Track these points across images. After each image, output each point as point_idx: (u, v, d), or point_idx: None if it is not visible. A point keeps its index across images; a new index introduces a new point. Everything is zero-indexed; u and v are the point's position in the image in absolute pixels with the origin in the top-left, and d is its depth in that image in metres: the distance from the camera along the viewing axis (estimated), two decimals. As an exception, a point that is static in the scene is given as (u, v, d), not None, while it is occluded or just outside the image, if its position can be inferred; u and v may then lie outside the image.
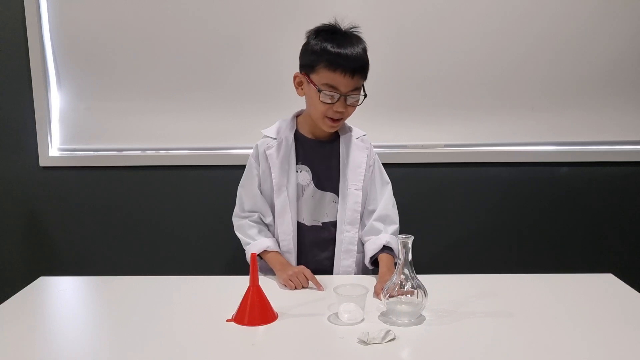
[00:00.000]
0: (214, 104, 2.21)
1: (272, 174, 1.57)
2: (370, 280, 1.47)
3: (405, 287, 1.22)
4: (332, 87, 1.45)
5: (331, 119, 1.50)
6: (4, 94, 2.21)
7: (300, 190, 1.59)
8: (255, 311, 1.23)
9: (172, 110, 2.21)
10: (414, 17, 2.13)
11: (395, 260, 1.53)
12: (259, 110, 2.18)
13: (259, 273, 1.27)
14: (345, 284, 1.29)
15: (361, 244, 1.62)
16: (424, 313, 1.24)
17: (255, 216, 1.62)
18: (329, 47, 1.44)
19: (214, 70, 2.18)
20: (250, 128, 2.09)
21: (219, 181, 2.25)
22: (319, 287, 1.42)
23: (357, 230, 1.60)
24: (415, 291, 1.22)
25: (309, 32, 1.52)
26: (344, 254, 1.59)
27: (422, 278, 1.25)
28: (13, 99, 2.21)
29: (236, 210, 1.66)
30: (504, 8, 2.12)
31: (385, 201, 1.61)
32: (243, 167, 1.68)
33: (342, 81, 1.44)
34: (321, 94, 1.46)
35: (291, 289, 1.43)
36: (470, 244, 2.32)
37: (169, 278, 1.53)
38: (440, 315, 1.25)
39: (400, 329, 1.18)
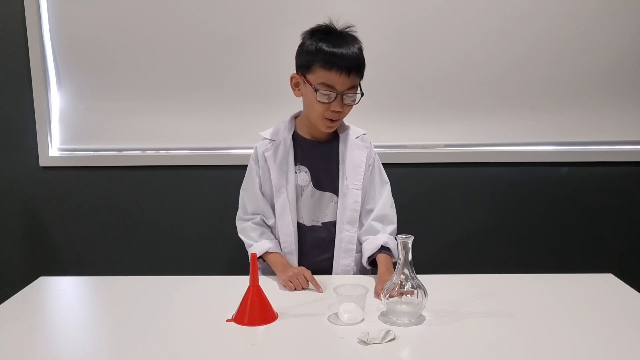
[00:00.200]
0: (214, 104, 2.21)
1: (271, 176, 1.58)
2: (370, 281, 1.47)
3: (405, 287, 1.22)
4: (329, 87, 1.46)
5: (329, 119, 1.50)
6: (4, 94, 2.21)
7: (299, 191, 1.60)
8: (255, 311, 1.23)
9: (172, 110, 2.21)
10: (414, 17, 2.13)
11: (393, 260, 1.53)
12: (259, 110, 2.19)
13: (260, 274, 1.27)
14: (345, 284, 1.29)
15: (359, 243, 1.62)
16: (424, 313, 1.24)
17: (258, 218, 1.62)
18: (324, 46, 1.45)
19: (214, 70, 2.18)
20: (250, 128, 2.09)
21: (219, 181, 2.25)
22: (318, 288, 1.42)
23: (357, 229, 1.60)
24: (415, 291, 1.22)
25: (304, 32, 1.53)
26: (344, 253, 1.59)
27: (422, 278, 1.25)
28: (13, 99, 2.21)
29: (239, 213, 1.66)
30: (504, 8, 2.12)
31: (384, 201, 1.61)
32: (243, 167, 1.68)
33: (338, 80, 1.45)
34: (317, 93, 1.46)
35: (291, 290, 1.43)
36: (470, 244, 2.32)
37: (169, 278, 1.53)
38: (440, 315, 1.25)
39: (400, 329, 1.18)
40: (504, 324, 1.22)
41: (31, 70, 2.18)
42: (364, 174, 1.60)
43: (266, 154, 1.59)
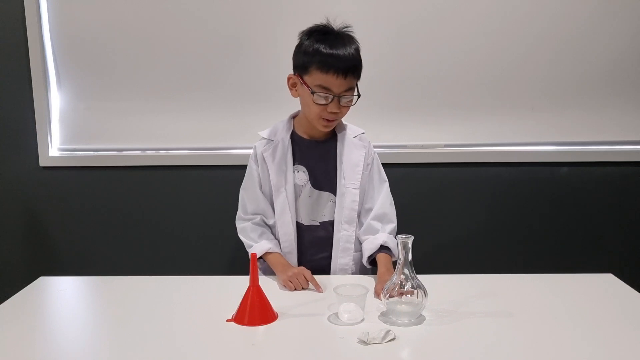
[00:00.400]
0: (214, 104, 2.21)
1: (270, 176, 1.58)
2: (370, 281, 1.47)
3: (405, 287, 1.22)
4: (325, 89, 1.46)
5: (325, 119, 1.50)
6: (4, 94, 2.21)
7: (297, 190, 1.60)
8: (255, 311, 1.23)
9: (172, 110, 2.21)
10: (414, 17, 2.13)
11: (393, 259, 1.53)
12: (259, 110, 2.19)
13: (261, 274, 1.27)
14: (345, 284, 1.29)
15: (359, 242, 1.62)
16: (424, 313, 1.24)
17: (258, 218, 1.62)
18: (321, 48, 1.45)
19: (214, 70, 2.18)
20: (250, 128, 2.08)
21: (219, 181, 2.25)
22: (318, 288, 1.42)
23: (355, 228, 1.60)
24: (415, 291, 1.22)
25: (301, 32, 1.53)
26: (342, 252, 1.60)
27: (422, 278, 1.25)
28: (13, 99, 2.21)
29: (239, 213, 1.66)
30: (504, 8, 2.12)
31: (383, 199, 1.61)
32: (243, 167, 1.68)
33: (334, 82, 1.45)
34: (314, 95, 1.46)
35: (291, 290, 1.43)
36: (470, 244, 2.32)
37: (169, 278, 1.53)
38: (440, 315, 1.25)
39: (400, 329, 1.18)
40: (504, 324, 1.22)
41: (31, 70, 2.18)
42: (362, 173, 1.60)
43: (265, 154, 1.59)
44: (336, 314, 1.24)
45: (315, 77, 1.46)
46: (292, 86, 1.55)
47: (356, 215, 1.60)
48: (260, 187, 1.62)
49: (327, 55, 1.44)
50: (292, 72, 1.55)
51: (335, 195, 1.60)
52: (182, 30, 2.15)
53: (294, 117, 1.64)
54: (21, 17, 2.14)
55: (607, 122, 2.22)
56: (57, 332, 1.23)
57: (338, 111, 1.49)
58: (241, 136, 2.20)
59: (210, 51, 2.16)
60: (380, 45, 2.13)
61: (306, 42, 1.49)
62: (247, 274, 1.26)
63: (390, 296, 1.23)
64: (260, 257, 1.57)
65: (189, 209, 2.30)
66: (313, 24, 1.53)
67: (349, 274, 1.61)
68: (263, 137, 1.62)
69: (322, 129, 1.54)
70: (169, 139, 2.24)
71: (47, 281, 1.52)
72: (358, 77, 1.50)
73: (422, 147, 2.24)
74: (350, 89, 1.49)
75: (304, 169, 1.60)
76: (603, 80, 2.18)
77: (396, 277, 1.23)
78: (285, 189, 1.58)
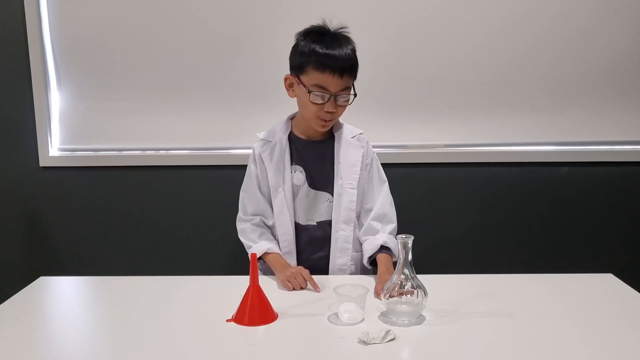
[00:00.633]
0: (214, 104, 2.21)
1: (268, 176, 1.59)
2: (369, 281, 1.47)
3: (405, 287, 1.22)
4: (322, 88, 1.47)
5: (322, 118, 1.51)
6: (4, 94, 2.21)
7: (295, 190, 1.60)
8: (255, 311, 1.23)
9: (172, 110, 2.21)
10: (414, 17, 2.13)
11: (394, 259, 1.53)
12: (258, 110, 2.19)
13: (261, 275, 1.27)
14: (345, 284, 1.29)
15: (359, 243, 1.63)
16: (424, 313, 1.24)
17: (257, 219, 1.63)
18: (317, 48, 1.46)
19: (214, 70, 2.18)
20: (250, 128, 2.08)
21: (219, 181, 2.25)
22: (316, 288, 1.42)
23: (353, 228, 1.60)
24: (415, 291, 1.22)
25: (298, 33, 1.54)
26: (339, 252, 1.60)
27: (422, 278, 1.25)
28: (13, 99, 2.21)
29: (239, 214, 1.67)
30: (504, 8, 2.12)
31: (382, 199, 1.61)
32: (243, 167, 1.68)
33: (331, 81, 1.46)
34: (311, 94, 1.47)
35: (289, 290, 1.43)
36: (471, 244, 2.32)
37: (169, 278, 1.53)
38: (440, 315, 1.25)
39: (400, 329, 1.18)
40: (504, 324, 1.22)
41: (31, 70, 2.18)
42: (360, 173, 1.60)
43: (262, 155, 1.60)
44: (336, 314, 1.24)
45: (312, 77, 1.47)
46: (289, 87, 1.56)
47: (354, 215, 1.60)
48: (260, 188, 1.63)
49: (323, 55, 1.45)
50: (288, 73, 1.56)
51: (332, 195, 1.60)
52: (182, 30, 2.15)
53: (292, 118, 1.65)
54: (21, 17, 2.14)
55: (607, 122, 2.22)
56: (57, 332, 1.23)
57: (335, 110, 1.50)
58: (241, 136, 2.20)
59: (210, 51, 2.16)
60: (380, 45, 2.13)
61: (302, 43, 1.50)
62: (247, 274, 1.26)
63: (390, 296, 1.23)
64: (260, 258, 1.57)
65: (189, 209, 2.30)
66: (309, 25, 1.54)
67: (347, 274, 1.61)
68: (262, 138, 1.63)
69: (319, 128, 1.55)
70: (169, 139, 2.24)
71: (47, 281, 1.52)
72: (354, 76, 1.51)
73: (422, 147, 2.24)
74: (347, 89, 1.50)
75: (301, 169, 1.60)
76: (603, 80, 2.18)
77: (396, 277, 1.23)
78: (283, 189, 1.59)
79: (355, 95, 1.52)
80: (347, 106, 1.53)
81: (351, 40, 1.52)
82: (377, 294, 1.37)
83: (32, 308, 1.35)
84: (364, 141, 1.64)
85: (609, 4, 2.12)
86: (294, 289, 1.43)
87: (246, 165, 1.67)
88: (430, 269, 1.44)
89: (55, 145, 2.26)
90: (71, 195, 2.29)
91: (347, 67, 1.47)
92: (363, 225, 1.61)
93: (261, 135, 1.64)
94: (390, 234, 1.58)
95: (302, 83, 1.49)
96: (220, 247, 2.31)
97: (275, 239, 1.62)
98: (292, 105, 1.64)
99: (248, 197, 1.65)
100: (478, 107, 2.20)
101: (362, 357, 1.08)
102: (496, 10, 2.13)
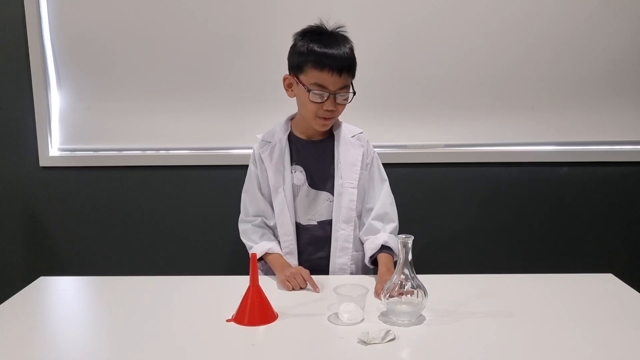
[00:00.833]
0: (214, 104, 2.21)
1: (268, 176, 1.59)
2: (370, 280, 1.47)
3: (405, 287, 1.22)
4: (321, 86, 1.47)
5: (322, 117, 1.52)
6: (4, 94, 2.21)
7: (295, 190, 1.60)
8: (255, 311, 1.23)
9: (172, 110, 2.21)
10: (414, 17, 2.13)
11: (395, 259, 1.53)
12: (258, 110, 2.19)
13: (261, 275, 1.27)
14: (345, 284, 1.29)
15: (359, 242, 1.63)
16: (424, 313, 1.24)
17: (259, 220, 1.63)
18: (315, 47, 1.47)
19: (214, 70, 2.18)
20: (250, 128, 2.09)
21: (219, 181, 2.25)
22: (315, 289, 1.42)
23: (353, 228, 1.60)
24: (415, 291, 1.22)
25: (296, 33, 1.55)
26: (339, 252, 1.60)
27: (422, 278, 1.25)
28: (13, 99, 2.21)
29: (241, 215, 1.68)
30: (504, 8, 2.12)
31: (383, 199, 1.62)
32: (243, 167, 1.69)
33: (330, 80, 1.46)
34: (310, 93, 1.48)
35: (289, 290, 1.43)
36: (471, 243, 2.32)
37: (169, 278, 1.53)
38: (440, 315, 1.25)
39: (400, 329, 1.18)
40: (504, 324, 1.22)
41: (31, 70, 2.18)
42: (361, 172, 1.60)
43: (262, 155, 1.61)
44: (336, 314, 1.24)
45: (311, 76, 1.47)
46: (288, 87, 1.56)
47: (354, 215, 1.60)
48: (260, 189, 1.63)
49: (321, 54, 1.46)
50: (287, 73, 1.56)
51: (332, 194, 1.61)
52: (182, 30, 2.15)
53: (291, 118, 1.66)
54: (21, 17, 2.14)
55: (607, 122, 2.22)
56: (57, 332, 1.23)
57: (334, 109, 1.50)
58: (241, 136, 2.20)
59: (210, 51, 2.16)
60: (380, 45, 2.13)
61: (300, 43, 1.51)
62: (247, 274, 1.26)
63: (390, 296, 1.23)
64: (261, 258, 1.57)
65: (189, 209, 2.30)
66: (307, 25, 1.54)
67: (347, 273, 1.61)
68: (262, 139, 1.64)
69: (318, 128, 1.55)
70: (169, 139, 2.24)
71: (47, 281, 1.52)
72: (353, 75, 1.52)
73: (422, 147, 2.24)
74: (346, 87, 1.50)
75: (301, 168, 1.61)
76: (603, 80, 2.18)
77: (396, 277, 1.23)
78: (283, 189, 1.59)
79: (354, 93, 1.52)
80: (347, 105, 1.53)
81: (349, 39, 1.53)
82: (377, 294, 1.37)
83: (32, 308, 1.35)
84: (363, 140, 1.64)
85: (609, 4, 2.12)
86: (293, 289, 1.43)
87: (246, 166, 1.68)
88: (430, 269, 1.44)
89: (55, 145, 2.26)
90: (71, 195, 2.29)
91: (346, 65, 1.47)
92: (364, 224, 1.62)
93: (260, 136, 1.65)
94: (391, 233, 1.58)
95: (301, 82, 1.50)
96: (220, 247, 2.31)
97: (277, 240, 1.62)
98: (291, 106, 1.64)
99: (249, 198, 1.65)
100: (478, 107, 2.20)
101: (362, 357, 1.08)
102: (496, 10, 2.13)
